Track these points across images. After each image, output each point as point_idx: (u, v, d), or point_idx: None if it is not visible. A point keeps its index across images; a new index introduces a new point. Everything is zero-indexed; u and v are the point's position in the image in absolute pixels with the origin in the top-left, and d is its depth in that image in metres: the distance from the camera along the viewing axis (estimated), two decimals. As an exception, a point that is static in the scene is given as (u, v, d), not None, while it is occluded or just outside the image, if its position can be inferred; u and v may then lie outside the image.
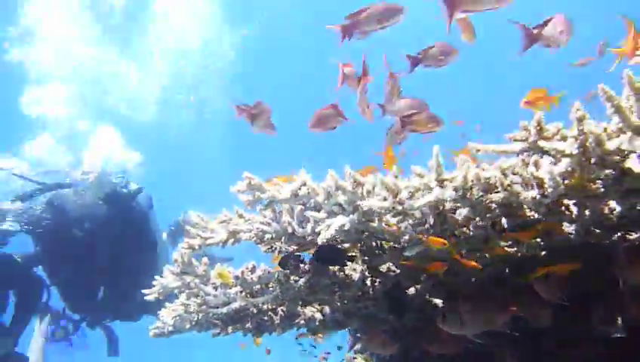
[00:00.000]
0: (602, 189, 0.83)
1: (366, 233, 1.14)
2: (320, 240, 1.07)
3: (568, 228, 0.97)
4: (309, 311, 1.54)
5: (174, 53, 7.82)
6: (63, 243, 2.59)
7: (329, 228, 1.05)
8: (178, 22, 7.71)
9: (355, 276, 1.35)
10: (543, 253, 1.09)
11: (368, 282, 1.37)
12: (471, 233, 1.00)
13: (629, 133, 0.76)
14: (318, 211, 1.15)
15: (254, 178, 1.13)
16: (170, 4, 7.42)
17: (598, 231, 0.98)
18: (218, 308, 1.31)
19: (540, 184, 0.84)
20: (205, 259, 1.35)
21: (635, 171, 0.78)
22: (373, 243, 1.26)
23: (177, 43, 7.78)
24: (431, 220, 1.00)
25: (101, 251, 2.60)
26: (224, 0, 8.22)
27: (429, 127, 1.31)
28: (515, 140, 0.87)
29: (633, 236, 1.01)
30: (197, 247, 1.28)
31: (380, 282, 1.40)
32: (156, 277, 1.35)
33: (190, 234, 1.29)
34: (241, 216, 1.28)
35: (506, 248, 1.00)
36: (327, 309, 1.57)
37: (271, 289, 1.32)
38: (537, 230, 0.95)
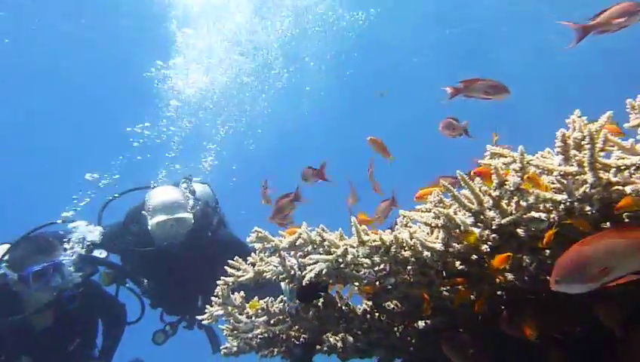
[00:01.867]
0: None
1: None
2: (304, 281, 1.37)
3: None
4: (332, 339, 1.81)
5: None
6: (159, 260, 2.88)
7: (311, 272, 1.34)
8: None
9: (359, 310, 1.60)
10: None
11: (369, 316, 1.61)
12: (416, 279, 1.21)
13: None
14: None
15: (262, 231, 1.47)
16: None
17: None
18: (247, 333, 1.66)
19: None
20: (242, 293, 1.72)
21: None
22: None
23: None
24: (384, 266, 1.24)
25: (195, 264, 2.88)
26: None
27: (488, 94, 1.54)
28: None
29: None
30: (231, 284, 1.65)
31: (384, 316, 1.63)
32: (207, 306, 1.75)
33: (227, 271, 1.67)
34: (262, 259, 1.63)
35: (444, 293, 1.20)
36: (349, 338, 1.82)
37: (288, 319, 1.63)
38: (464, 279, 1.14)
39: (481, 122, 2.00)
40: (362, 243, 1.13)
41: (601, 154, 0.87)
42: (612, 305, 1.17)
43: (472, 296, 1.25)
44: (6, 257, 2.46)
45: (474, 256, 1.09)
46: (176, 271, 2.91)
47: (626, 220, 0.89)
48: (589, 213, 0.90)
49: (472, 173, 1.33)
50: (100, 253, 2.90)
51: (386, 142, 2.18)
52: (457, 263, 1.14)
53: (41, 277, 2.41)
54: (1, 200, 15.07)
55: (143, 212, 2.95)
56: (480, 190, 0.97)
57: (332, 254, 1.22)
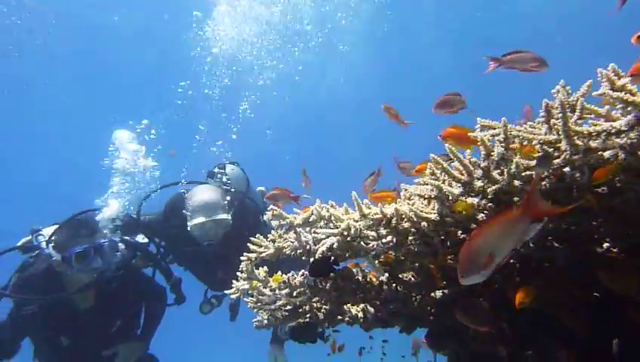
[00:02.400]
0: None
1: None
2: (317, 255, 1.44)
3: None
4: (354, 309, 1.89)
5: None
6: (200, 256, 3.09)
7: (322, 246, 1.41)
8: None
9: (376, 281, 1.67)
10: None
11: (387, 287, 1.67)
12: (420, 249, 1.26)
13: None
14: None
15: (277, 209, 1.55)
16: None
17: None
18: (270, 305, 1.76)
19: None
20: (265, 268, 1.82)
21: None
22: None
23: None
24: (391, 238, 1.30)
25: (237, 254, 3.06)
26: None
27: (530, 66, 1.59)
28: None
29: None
30: (254, 259, 1.75)
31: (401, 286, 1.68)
32: (233, 281, 1.86)
33: (250, 248, 1.77)
34: (280, 236, 1.71)
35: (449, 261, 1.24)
36: (370, 308, 1.88)
37: (308, 291, 1.71)
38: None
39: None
40: (363, 216, 1.18)
41: (579, 121, 0.88)
42: (619, 271, 1.18)
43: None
44: (53, 238, 2.65)
45: (473, 225, 1.12)
46: (218, 263, 3.06)
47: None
48: (579, 179, 0.91)
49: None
50: (142, 238, 3.07)
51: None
52: (459, 232, 1.18)
53: (82, 259, 2.54)
54: (55, 178, 15.71)
55: (184, 211, 3.07)
56: (470, 161, 1.00)
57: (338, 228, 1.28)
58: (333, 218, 1.26)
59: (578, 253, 1.25)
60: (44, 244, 2.68)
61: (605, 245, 1.15)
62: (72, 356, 2.75)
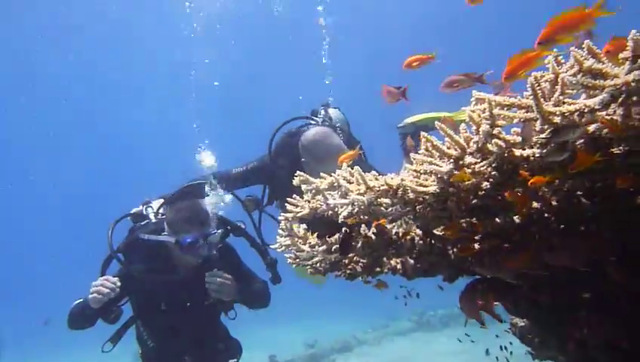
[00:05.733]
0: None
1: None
2: (340, 219, 1.49)
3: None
4: (393, 261, 1.94)
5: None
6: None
7: (344, 210, 1.46)
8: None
9: (408, 237, 1.69)
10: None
11: (421, 242, 1.69)
12: (434, 214, 1.26)
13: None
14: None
15: (303, 175, 1.61)
16: None
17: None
18: (308, 261, 1.86)
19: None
20: (304, 225, 1.91)
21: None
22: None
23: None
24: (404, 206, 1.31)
25: None
26: None
27: None
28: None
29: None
30: (290, 219, 1.84)
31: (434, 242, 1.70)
32: (277, 237, 1.98)
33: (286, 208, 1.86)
34: (313, 197, 1.77)
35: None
36: (410, 260, 1.93)
37: (342, 247, 1.79)
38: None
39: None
40: (369, 188, 1.20)
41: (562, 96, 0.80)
42: None
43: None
44: (160, 210, 2.91)
45: (481, 192, 1.10)
46: None
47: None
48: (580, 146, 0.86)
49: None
50: (225, 196, 3.08)
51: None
52: (470, 197, 1.16)
53: (192, 247, 2.71)
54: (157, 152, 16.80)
55: (302, 158, 3.03)
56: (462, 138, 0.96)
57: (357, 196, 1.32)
58: (345, 190, 1.29)
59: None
60: (152, 216, 2.95)
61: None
62: (169, 322, 2.91)
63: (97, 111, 24.55)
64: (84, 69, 21.40)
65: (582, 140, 0.93)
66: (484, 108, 0.89)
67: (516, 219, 1.36)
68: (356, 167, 1.26)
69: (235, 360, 3.22)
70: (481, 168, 1.06)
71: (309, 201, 1.82)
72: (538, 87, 0.82)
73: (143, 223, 2.97)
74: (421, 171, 1.05)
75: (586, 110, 0.79)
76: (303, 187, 1.65)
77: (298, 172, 1.63)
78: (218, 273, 2.79)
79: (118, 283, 2.60)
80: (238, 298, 2.95)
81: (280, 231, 1.96)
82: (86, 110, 24.08)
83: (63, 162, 25.75)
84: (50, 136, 24.56)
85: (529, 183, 0.92)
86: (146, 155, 27.06)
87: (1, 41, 18.24)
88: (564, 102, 0.82)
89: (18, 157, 26.13)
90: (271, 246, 2.05)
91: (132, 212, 3.07)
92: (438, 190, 1.05)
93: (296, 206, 1.85)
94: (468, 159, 0.98)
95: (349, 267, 1.95)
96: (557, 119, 0.82)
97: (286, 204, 1.87)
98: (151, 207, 3.01)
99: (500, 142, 0.90)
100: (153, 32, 19.17)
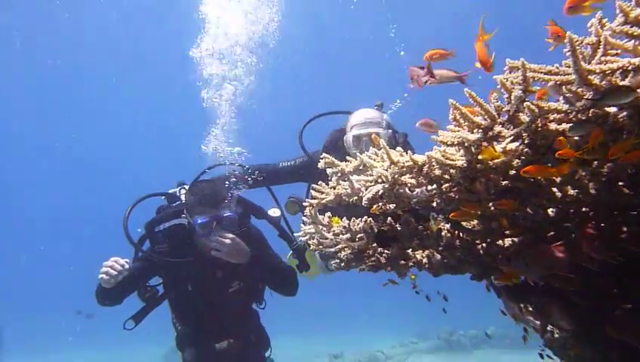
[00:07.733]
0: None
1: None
2: (364, 201, 1.45)
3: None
4: (419, 255, 1.87)
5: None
6: None
7: (369, 193, 1.42)
8: None
9: (434, 228, 1.63)
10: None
11: (449, 234, 1.62)
12: (462, 196, 1.20)
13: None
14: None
15: (328, 157, 1.58)
16: None
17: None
18: (331, 248, 1.82)
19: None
20: (328, 214, 1.87)
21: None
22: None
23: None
24: (432, 187, 1.26)
25: None
26: None
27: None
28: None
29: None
30: (315, 205, 1.81)
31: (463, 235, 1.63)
32: (301, 225, 1.95)
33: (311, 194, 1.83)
34: (338, 183, 1.73)
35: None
36: (437, 255, 1.85)
37: (365, 237, 1.74)
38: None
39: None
40: (393, 163, 1.15)
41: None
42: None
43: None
44: (182, 196, 2.92)
45: (512, 171, 1.03)
46: None
47: None
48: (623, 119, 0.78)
49: None
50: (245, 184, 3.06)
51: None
52: (500, 178, 1.10)
53: (205, 228, 2.69)
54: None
55: (346, 134, 3.04)
56: (493, 107, 0.90)
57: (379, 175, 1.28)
58: (368, 166, 1.25)
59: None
60: (183, 198, 2.96)
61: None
62: (195, 306, 2.90)
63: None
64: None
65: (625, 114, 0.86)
66: (517, 75, 0.83)
67: (550, 211, 1.28)
68: (381, 140, 1.21)
69: (267, 352, 3.17)
70: (512, 146, 1.00)
71: (333, 188, 1.78)
72: (578, 45, 0.76)
73: (174, 204, 2.98)
74: (448, 143, 0.99)
75: (630, 67, 0.71)
76: (329, 171, 1.61)
77: (324, 154, 1.60)
78: (220, 231, 2.71)
79: (127, 265, 2.59)
80: (261, 275, 2.92)
81: (304, 219, 1.93)
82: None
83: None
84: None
85: (556, 154, 0.85)
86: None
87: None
88: (605, 62, 0.75)
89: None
90: (295, 234, 2.02)
91: (169, 192, 3.10)
92: (465, 164, 1.00)
93: (322, 192, 1.82)
94: (498, 129, 0.92)
95: (373, 259, 1.90)
96: (596, 79, 0.75)
97: (311, 191, 1.84)
98: (184, 188, 3.03)
99: (534, 107, 0.84)
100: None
